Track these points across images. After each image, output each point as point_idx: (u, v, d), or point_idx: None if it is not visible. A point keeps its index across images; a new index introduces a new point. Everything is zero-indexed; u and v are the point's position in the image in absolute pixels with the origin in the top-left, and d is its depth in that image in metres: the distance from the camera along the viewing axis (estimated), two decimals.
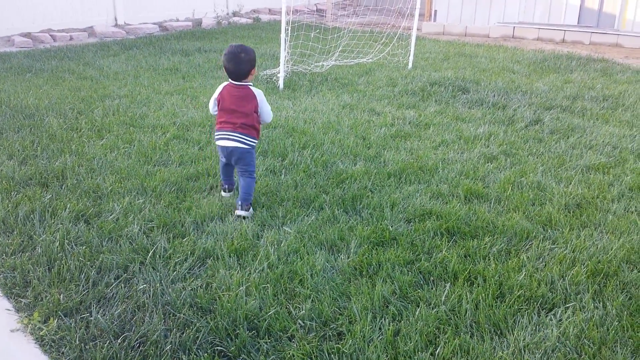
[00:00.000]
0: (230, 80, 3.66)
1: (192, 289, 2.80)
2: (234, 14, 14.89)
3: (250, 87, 3.67)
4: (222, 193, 3.92)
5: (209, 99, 6.36)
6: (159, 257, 3.08)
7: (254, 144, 3.69)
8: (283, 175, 4.21)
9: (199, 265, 3.03)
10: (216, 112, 3.73)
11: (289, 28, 7.73)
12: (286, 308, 2.66)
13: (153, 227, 3.40)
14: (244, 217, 3.57)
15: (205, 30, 12.40)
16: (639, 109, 6.16)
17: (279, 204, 3.73)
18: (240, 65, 3.57)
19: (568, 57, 9.21)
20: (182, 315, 2.60)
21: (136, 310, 2.66)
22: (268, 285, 2.81)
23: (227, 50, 3.61)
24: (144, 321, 2.58)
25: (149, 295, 2.75)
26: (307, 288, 2.78)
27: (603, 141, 5.02)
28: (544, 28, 12.06)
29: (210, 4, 14.15)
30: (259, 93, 3.70)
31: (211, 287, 2.83)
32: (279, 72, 7.23)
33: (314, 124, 5.49)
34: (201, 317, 2.60)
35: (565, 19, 12.08)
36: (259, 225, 3.45)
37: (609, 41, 11.44)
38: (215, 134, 3.71)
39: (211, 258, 3.08)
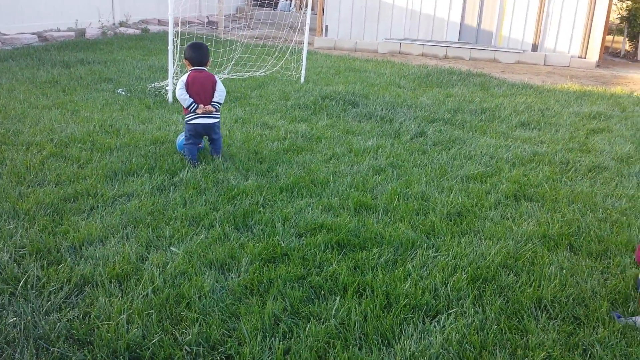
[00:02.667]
0: (191, 68, 4.72)
1: (68, 320, 2.60)
2: (121, 24, 14.33)
3: (207, 70, 4.78)
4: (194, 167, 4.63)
5: (91, 113, 6.08)
6: (32, 286, 2.84)
7: (220, 115, 4.89)
8: (171, 193, 4.06)
9: (76, 294, 2.83)
10: (189, 101, 4.64)
11: (178, 40, 7.54)
12: (172, 334, 2.54)
13: (25, 254, 3.14)
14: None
15: (89, 41, 11.81)
16: (513, 120, 6.63)
17: (166, 223, 3.59)
18: (203, 52, 4.75)
19: (450, 72, 9.75)
20: (56, 349, 2.41)
21: (5, 346, 2.43)
22: (152, 311, 2.67)
23: (191, 44, 4.82)
24: (14, 358, 2.36)
25: (20, 329, 2.52)
26: (195, 311, 2.68)
27: (481, 152, 5.34)
28: (427, 44, 12.70)
29: (95, 13, 13.51)
30: (215, 76, 4.83)
31: (89, 316, 2.65)
32: (167, 85, 7.02)
33: (205, 139, 5.36)
34: (78, 350, 2.42)
35: (447, 36, 12.80)
36: (143, 246, 3.29)
37: (487, 57, 12.27)
38: (191, 115, 4.68)
39: (90, 285, 2.89)
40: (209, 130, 4.76)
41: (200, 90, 4.67)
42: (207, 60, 4.78)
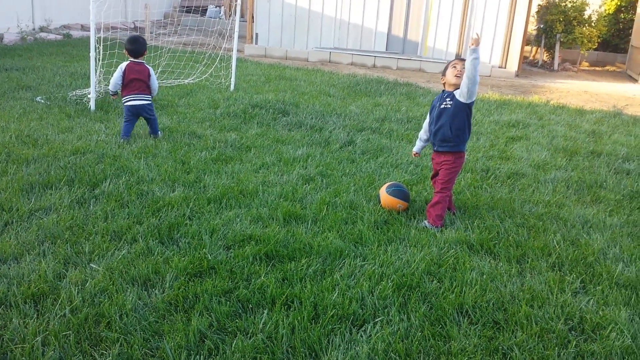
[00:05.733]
0: (130, 59, 5.62)
1: None
2: (41, 29, 13.72)
3: (144, 63, 5.73)
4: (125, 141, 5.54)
5: (6, 122, 5.77)
6: None
7: (151, 99, 5.81)
8: (92, 206, 3.91)
9: None
10: (118, 87, 5.65)
11: (101, 46, 7.30)
12: (91, 356, 2.44)
13: None
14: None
15: (7, 47, 11.23)
16: None
17: (85, 239, 3.45)
18: (139, 46, 5.62)
19: (378, 82, 9.95)
20: None
21: None
22: (70, 332, 2.55)
23: (129, 38, 5.70)
24: None
25: None
26: (115, 331, 2.59)
27: (407, 160, 5.46)
28: (357, 54, 12.91)
29: (13, 18, 12.86)
30: (150, 68, 5.78)
31: (2, 339, 2.51)
32: (89, 93, 6.77)
33: (129, 149, 5.21)
34: None
35: (375, 46, 13.06)
36: (61, 263, 3.14)
37: (413, 66, 12.61)
38: (126, 97, 5.60)
39: (3, 306, 2.74)
40: (141, 111, 5.66)
41: (137, 80, 5.61)
42: (143, 51, 5.69)
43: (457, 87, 3.93)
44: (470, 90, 3.81)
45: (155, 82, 5.83)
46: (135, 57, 5.63)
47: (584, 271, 3.47)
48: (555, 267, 3.52)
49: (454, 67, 3.95)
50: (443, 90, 4.06)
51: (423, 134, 4.30)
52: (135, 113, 5.63)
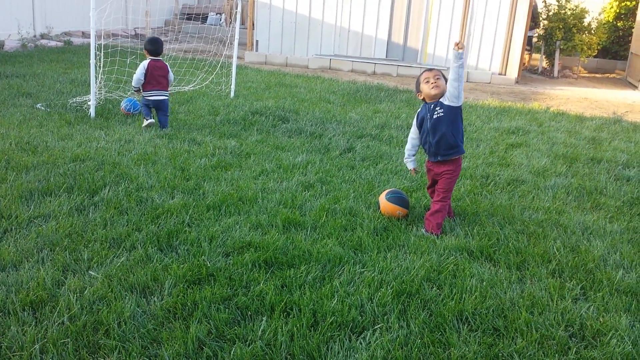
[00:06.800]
0: (150, 58, 6.26)
1: None
2: (42, 36, 13.76)
3: (162, 60, 6.39)
4: (149, 120, 6.28)
5: (6, 129, 5.78)
6: None
7: (169, 94, 6.52)
8: (91, 213, 3.91)
9: None
10: (140, 83, 6.23)
11: (102, 53, 7.32)
12: None
13: None
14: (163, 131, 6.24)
15: (7, 54, 11.27)
16: None
17: (84, 246, 3.44)
18: (158, 46, 6.32)
19: (378, 89, 9.96)
20: None
21: None
22: (68, 339, 2.55)
23: (149, 39, 6.37)
24: None
25: None
26: (114, 338, 2.58)
27: (406, 167, 5.45)
28: (357, 61, 12.93)
29: (14, 25, 12.90)
30: (167, 64, 6.46)
31: (1, 347, 2.49)
32: (89, 100, 6.78)
33: (129, 155, 5.22)
34: None
35: (375, 53, 13.08)
36: (60, 271, 3.14)
37: (413, 73, 12.62)
38: (148, 93, 6.25)
39: (1, 314, 2.73)
40: (160, 104, 6.32)
41: (160, 77, 6.27)
42: (161, 50, 6.37)
43: (438, 97, 3.95)
44: (460, 91, 3.87)
45: (172, 74, 6.54)
46: (154, 56, 6.27)
47: (584, 278, 3.46)
48: (555, 274, 3.51)
49: (427, 81, 4.00)
50: (426, 103, 4.07)
51: (412, 148, 4.30)
52: (154, 106, 6.31)
